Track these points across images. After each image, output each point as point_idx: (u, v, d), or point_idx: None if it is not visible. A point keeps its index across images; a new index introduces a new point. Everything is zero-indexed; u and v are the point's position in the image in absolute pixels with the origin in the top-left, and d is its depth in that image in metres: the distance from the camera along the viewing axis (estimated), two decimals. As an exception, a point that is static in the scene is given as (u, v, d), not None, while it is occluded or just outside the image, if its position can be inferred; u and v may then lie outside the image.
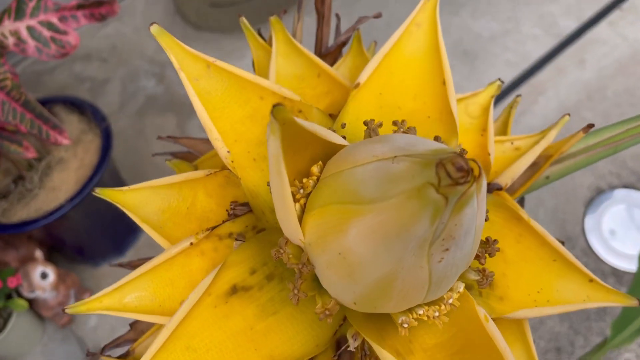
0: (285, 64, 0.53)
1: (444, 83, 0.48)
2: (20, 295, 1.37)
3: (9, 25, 1.17)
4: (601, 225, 1.61)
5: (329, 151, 0.40)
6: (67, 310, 0.47)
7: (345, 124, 0.45)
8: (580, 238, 1.62)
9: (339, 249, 0.34)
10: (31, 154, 1.17)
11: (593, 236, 1.59)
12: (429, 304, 0.39)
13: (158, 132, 1.74)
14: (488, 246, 0.42)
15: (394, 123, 0.43)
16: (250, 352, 0.41)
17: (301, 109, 0.46)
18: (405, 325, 0.39)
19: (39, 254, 1.45)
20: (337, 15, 0.61)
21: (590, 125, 0.52)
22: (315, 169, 0.39)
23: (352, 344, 0.42)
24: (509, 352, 0.39)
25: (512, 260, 0.47)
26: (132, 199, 0.50)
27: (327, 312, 0.39)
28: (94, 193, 0.52)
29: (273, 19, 0.54)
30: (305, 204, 0.39)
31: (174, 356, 0.40)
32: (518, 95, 0.61)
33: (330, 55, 0.57)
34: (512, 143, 0.54)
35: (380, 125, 0.43)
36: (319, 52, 0.58)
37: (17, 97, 1.13)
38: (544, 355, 1.57)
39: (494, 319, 0.45)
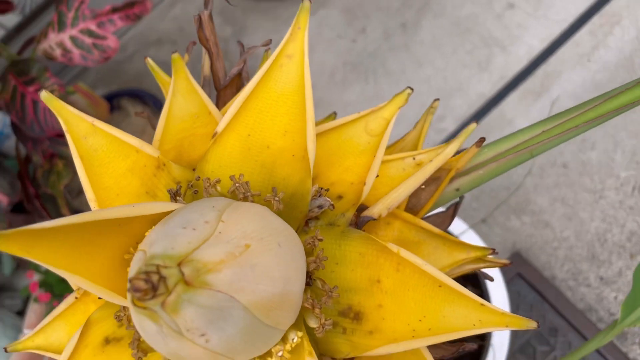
0: (184, 102, 0.55)
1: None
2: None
3: (54, 37, 1.27)
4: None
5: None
6: (8, 349, 0.55)
7: (199, 177, 0.46)
8: (665, 181, 1.47)
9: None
10: (86, 156, 1.29)
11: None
12: (260, 357, 0.41)
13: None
14: (323, 292, 0.42)
15: (231, 178, 0.44)
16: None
17: (164, 162, 0.48)
18: None
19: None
20: (239, 43, 0.61)
21: (482, 139, 0.48)
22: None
23: None
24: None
25: (391, 290, 0.46)
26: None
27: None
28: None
29: (175, 56, 0.56)
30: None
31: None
32: (436, 100, 0.57)
33: (233, 82, 0.58)
34: (414, 158, 0.52)
35: (219, 181, 0.44)
36: (217, 86, 0.59)
37: (66, 107, 1.24)
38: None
39: (355, 357, 0.46)
